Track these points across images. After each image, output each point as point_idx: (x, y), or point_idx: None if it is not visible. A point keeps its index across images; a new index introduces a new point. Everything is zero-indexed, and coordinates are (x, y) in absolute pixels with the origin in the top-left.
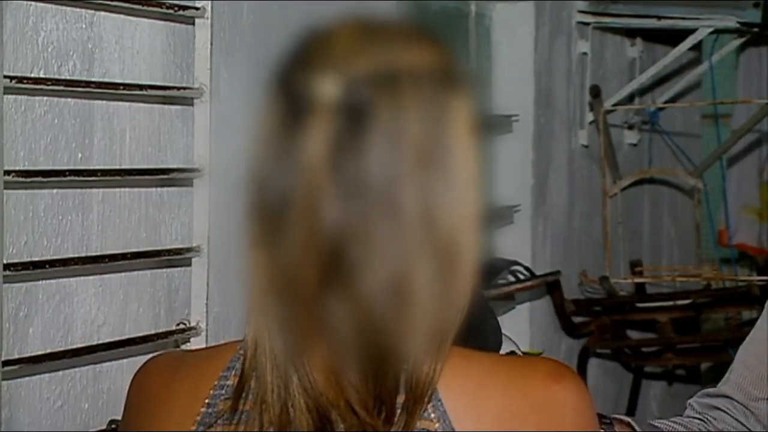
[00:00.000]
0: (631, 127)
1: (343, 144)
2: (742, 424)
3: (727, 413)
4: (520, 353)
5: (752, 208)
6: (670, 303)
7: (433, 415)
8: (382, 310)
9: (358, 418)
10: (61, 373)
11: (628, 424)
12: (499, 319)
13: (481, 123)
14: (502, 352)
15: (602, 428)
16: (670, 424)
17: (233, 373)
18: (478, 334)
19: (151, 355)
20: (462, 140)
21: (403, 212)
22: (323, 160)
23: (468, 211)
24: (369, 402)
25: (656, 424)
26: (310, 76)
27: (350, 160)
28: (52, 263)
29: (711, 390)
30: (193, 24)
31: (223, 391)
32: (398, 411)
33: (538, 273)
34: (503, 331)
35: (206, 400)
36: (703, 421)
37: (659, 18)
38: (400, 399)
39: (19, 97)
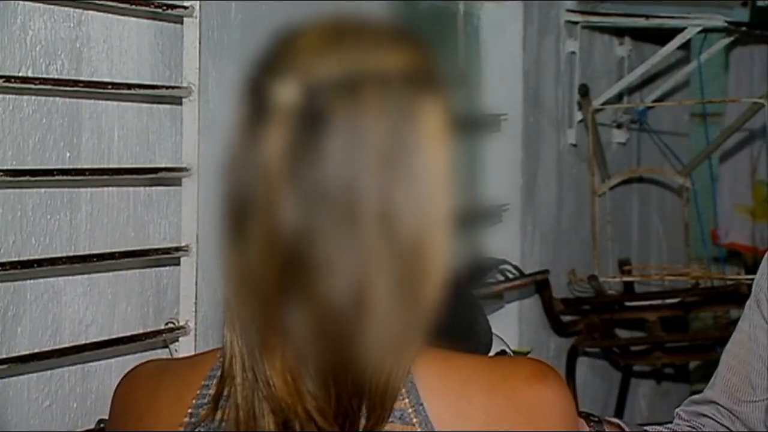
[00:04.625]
0: (619, 126)
1: (301, 148)
2: (729, 429)
3: (714, 420)
4: (510, 353)
5: (745, 207)
6: (659, 302)
7: (414, 419)
8: (340, 314)
9: (317, 425)
10: (49, 372)
11: (618, 426)
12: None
13: (456, 125)
14: (492, 352)
15: (590, 426)
16: (660, 429)
17: (214, 382)
18: (469, 333)
19: (136, 357)
20: (430, 144)
21: (362, 217)
22: (281, 164)
23: (434, 216)
24: (327, 409)
25: (647, 429)
26: (272, 79)
27: (308, 165)
28: (41, 263)
29: (697, 397)
30: (182, 23)
31: (205, 401)
32: (362, 418)
33: (527, 272)
34: (493, 330)
35: (189, 410)
36: (693, 428)
37: (647, 17)
38: (364, 405)
39: (6, 96)
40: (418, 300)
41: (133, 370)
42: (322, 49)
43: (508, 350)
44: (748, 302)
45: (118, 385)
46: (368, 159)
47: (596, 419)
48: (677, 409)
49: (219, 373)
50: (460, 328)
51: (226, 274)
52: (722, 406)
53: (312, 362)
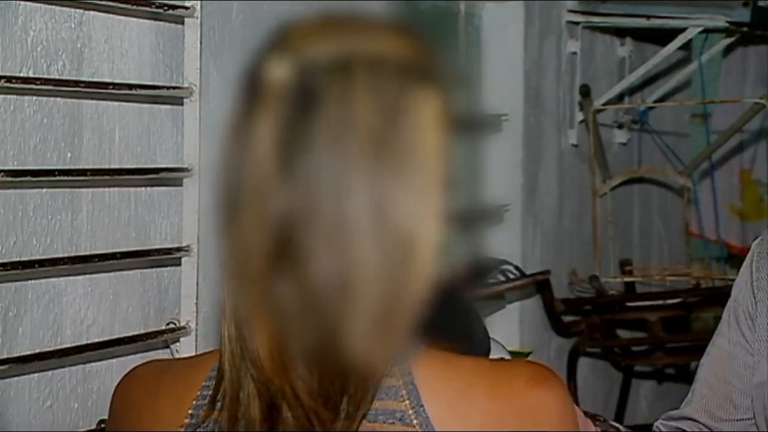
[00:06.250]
0: (620, 127)
1: (292, 128)
2: None
3: None
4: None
5: (734, 208)
6: (660, 302)
7: (415, 421)
8: (324, 297)
9: (301, 405)
10: (50, 372)
11: (618, 430)
12: (488, 318)
13: (453, 118)
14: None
15: (597, 425)
16: None
17: (214, 383)
18: (466, 344)
19: (137, 357)
20: (423, 133)
21: (350, 201)
22: (272, 144)
23: (427, 205)
24: (314, 388)
25: None
26: (266, 61)
27: (299, 145)
28: (42, 263)
29: (674, 412)
30: (183, 23)
31: (205, 401)
32: (343, 402)
33: (528, 272)
34: (493, 336)
35: (189, 411)
36: None
37: (648, 17)
38: (345, 389)
39: (8, 96)
40: (404, 289)
41: (133, 370)
42: (316, 33)
43: (507, 358)
44: (724, 317)
45: (118, 385)
46: (359, 143)
47: (602, 419)
48: (656, 423)
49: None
50: (456, 338)
51: (223, 261)
52: (701, 423)
53: (297, 340)
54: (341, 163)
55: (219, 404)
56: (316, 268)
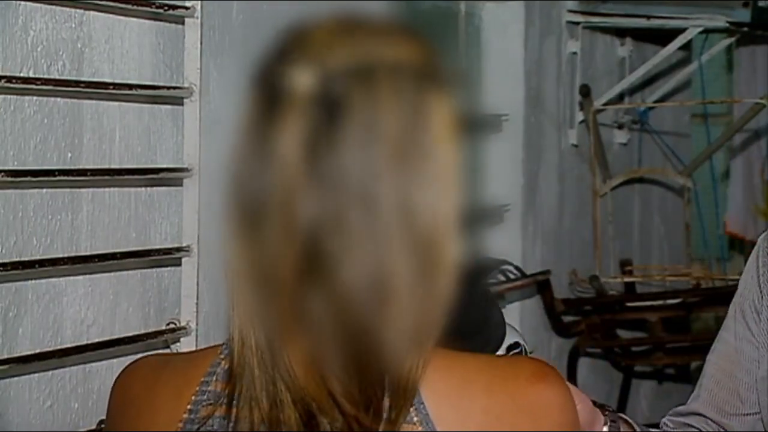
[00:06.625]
0: (621, 127)
1: (318, 136)
2: None
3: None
4: (524, 344)
5: (758, 208)
6: (660, 302)
7: (415, 418)
8: (360, 304)
9: (342, 412)
10: (50, 372)
11: (630, 425)
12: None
13: (462, 120)
14: (505, 343)
15: (606, 415)
16: None
17: (214, 378)
18: (482, 326)
19: (137, 357)
20: (441, 137)
21: (380, 207)
22: (298, 153)
23: (447, 208)
24: (354, 395)
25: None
26: (286, 68)
27: (325, 153)
28: (42, 263)
29: (681, 408)
30: (183, 23)
31: (205, 397)
32: (385, 404)
33: (528, 272)
34: (508, 322)
35: (188, 406)
36: None
37: (649, 17)
38: (386, 394)
39: (8, 96)
40: (435, 290)
41: (133, 363)
42: (335, 40)
43: (522, 342)
44: (730, 311)
45: (116, 379)
46: (384, 149)
47: (611, 409)
48: (663, 419)
49: (219, 370)
50: (472, 320)
51: (237, 266)
52: (709, 419)
53: (334, 351)
54: (369, 170)
55: (234, 403)
56: (349, 275)
